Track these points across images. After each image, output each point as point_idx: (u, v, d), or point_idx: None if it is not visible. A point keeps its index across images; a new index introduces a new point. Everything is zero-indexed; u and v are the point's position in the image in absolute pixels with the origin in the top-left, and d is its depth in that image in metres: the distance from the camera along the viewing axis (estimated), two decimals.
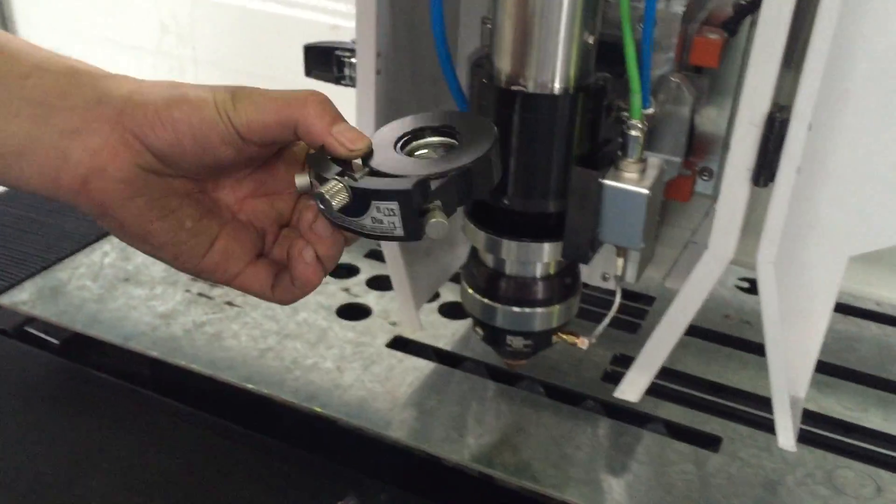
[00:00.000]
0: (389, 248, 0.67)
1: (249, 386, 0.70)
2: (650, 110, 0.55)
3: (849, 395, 0.72)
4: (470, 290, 0.61)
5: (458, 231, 0.72)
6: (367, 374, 0.72)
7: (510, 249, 0.57)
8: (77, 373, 0.74)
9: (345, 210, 0.43)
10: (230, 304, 0.80)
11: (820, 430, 0.68)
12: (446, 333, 0.78)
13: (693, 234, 0.72)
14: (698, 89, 0.60)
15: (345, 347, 0.75)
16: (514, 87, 0.52)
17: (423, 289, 0.73)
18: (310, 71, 0.63)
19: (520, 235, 0.56)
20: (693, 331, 0.75)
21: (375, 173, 0.44)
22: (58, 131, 0.43)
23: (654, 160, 0.55)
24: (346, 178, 0.43)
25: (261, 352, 0.74)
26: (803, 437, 0.67)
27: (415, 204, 0.42)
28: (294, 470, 0.64)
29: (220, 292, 0.82)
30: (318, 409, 0.68)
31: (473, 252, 0.62)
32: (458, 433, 0.66)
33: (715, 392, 0.72)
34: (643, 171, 0.54)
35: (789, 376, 0.59)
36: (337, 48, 0.61)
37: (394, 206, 0.42)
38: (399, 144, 0.46)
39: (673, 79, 0.58)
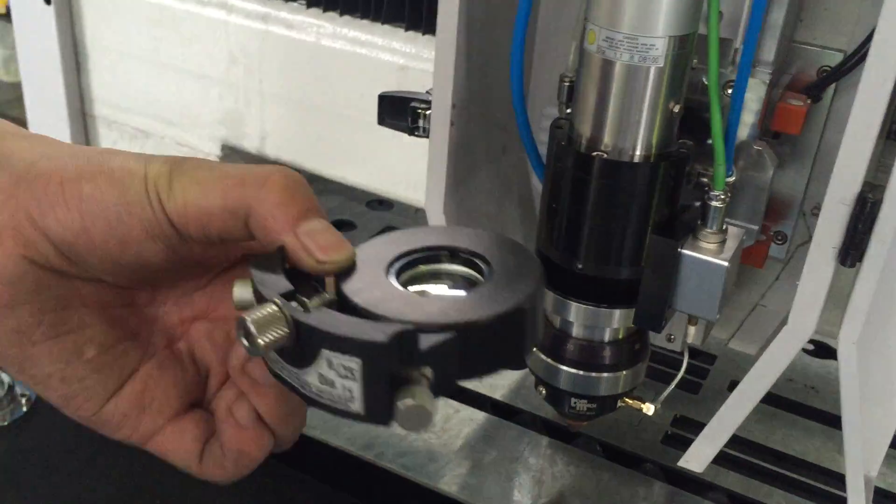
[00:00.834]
0: None
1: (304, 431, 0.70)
2: (731, 178, 0.54)
3: None
4: (535, 349, 0.60)
5: None
6: None
7: (579, 313, 0.56)
8: None
9: (282, 353, 0.30)
10: None
11: None
12: (502, 384, 0.77)
13: (762, 297, 0.70)
14: (779, 156, 0.59)
15: None
16: (594, 153, 0.51)
17: None
18: (383, 119, 0.62)
19: (591, 300, 0.55)
20: None
21: (344, 305, 0.30)
22: None
23: (735, 230, 0.54)
24: (294, 303, 0.30)
25: None
26: None
27: (387, 367, 0.28)
28: None
29: None
30: (373, 459, 0.68)
31: None
32: (515, 490, 0.65)
33: (779, 462, 0.70)
34: (723, 242, 0.52)
35: (864, 456, 0.57)
36: (413, 99, 0.60)
37: (354, 364, 0.28)
38: (396, 266, 0.33)
39: (756, 146, 0.57)
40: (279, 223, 0.31)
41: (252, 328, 0.28)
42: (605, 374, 0.58)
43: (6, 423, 0.70)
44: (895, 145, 0.56)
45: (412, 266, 0.33)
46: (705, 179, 0.54)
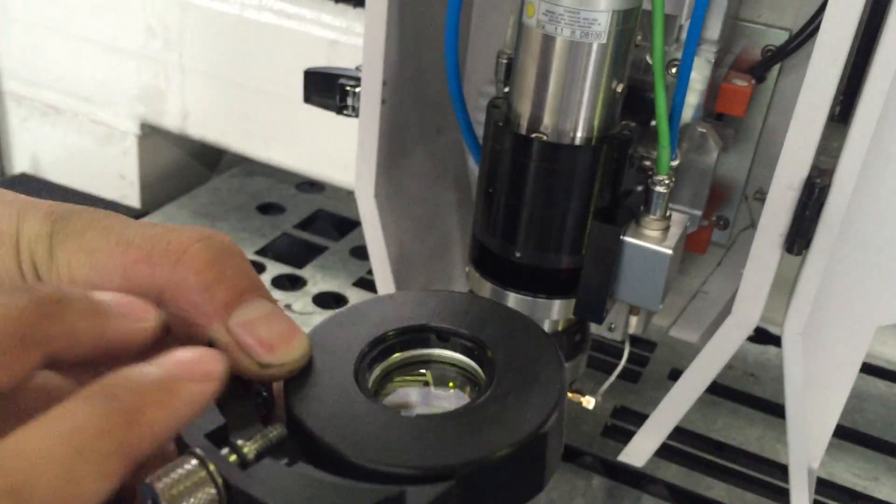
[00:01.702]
0: (381, 275, 0.62)
1: None
2: (675, 162, 0.51)
3: (858, 460, 0.69)
4: None
5: (459, 273, 0.68)
6: None
7: (517, 304, 0.53)
8: None
9: None
10: None
11: (831, 501, 0.65)
12: None
13: (703, 283, 0.68)
14: (723, 139, 0.57)
15: None
16: (533, 135, 0.48)
17: None
18: (309, 97, 0.58)
19: (530, 290, 0.52)
20: None
21: (300, 442, 0.22)
22: None
23: (678, 217, 0.52)
24: (226, 448, 0.21)
25: None
26: None
27: None
28: None
29: None
30: None
31: None
32: None
33: (719, 452, 0.69)
34: (666, 229, 0.50)
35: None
36: (341, 75, 0.56)
37: None
38: (368, 357, 0.24)
39: (700, 129, 0.54)
40: (203, 313, 0.23)
41: (162, 497, 0.20)
42: None
43: None
44: (840, 128, 0.54)
45: (386, 355, 0.25)
46: (648, 163, 0.51)
